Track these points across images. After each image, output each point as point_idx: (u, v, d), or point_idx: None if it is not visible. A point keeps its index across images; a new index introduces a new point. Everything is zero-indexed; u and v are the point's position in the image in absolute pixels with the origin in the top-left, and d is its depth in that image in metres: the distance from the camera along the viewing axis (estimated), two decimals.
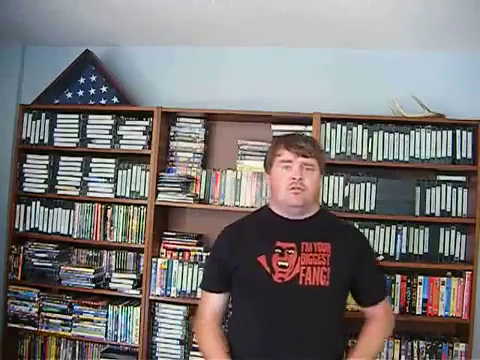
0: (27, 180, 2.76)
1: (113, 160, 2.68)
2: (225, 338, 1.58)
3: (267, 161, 1.64)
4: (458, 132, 2.46)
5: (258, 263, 1.50)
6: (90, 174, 2.69)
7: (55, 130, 2.76)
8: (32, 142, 2.78)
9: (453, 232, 2.46)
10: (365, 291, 1.61)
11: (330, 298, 1.51)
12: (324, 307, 1.51)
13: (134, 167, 2.66)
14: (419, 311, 2.43)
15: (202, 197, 2.63)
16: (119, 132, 2.68)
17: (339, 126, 2.51)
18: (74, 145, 2.72)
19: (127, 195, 2.66)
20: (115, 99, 2.71)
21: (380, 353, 2.38)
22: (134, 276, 2.63)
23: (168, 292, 2.57)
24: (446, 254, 2.45)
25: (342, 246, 1.55)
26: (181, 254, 2.62)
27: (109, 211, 2.67)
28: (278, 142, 1.61)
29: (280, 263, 1.50)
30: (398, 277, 2.44)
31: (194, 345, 2.49)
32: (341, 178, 2.51)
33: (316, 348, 1.48)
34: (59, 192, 2.72)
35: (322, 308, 1.50)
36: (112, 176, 2.67)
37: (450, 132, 2.47)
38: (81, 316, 2.63)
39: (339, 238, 1.57)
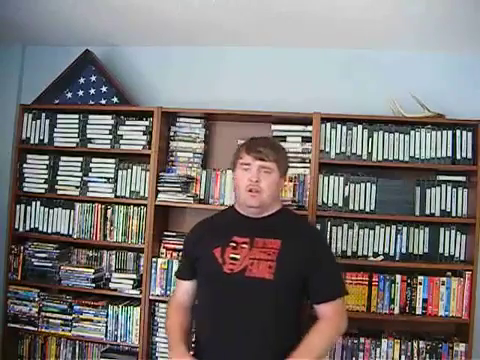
0: (27, 180, 2.76)
1: (113, 160, 2.68)
2: (188, 325, 1.72)
3: (232, 162, 1.77)
4: (458, 132, 2.46)
5: (213, 254, 1.63)
6: (90, 174, 2.69)
7: (55, 130, 2.76)
8: (32, 142, 2.78)
9: (453, 232, 2.46)
10: (314, 289, 1.64)
11: (274, 291, 1.58)
12: (268, 300, 1.57)
13: (134, 167, 2.66)
14: (419, 311, 2.42)
15: (202, 197, 2.63)
16: (119, 132, 2.68)
17: (339, 126, 2.51)
18: (74, 145, 2.72)
19: (127, 195, 2.66)
20: (115, 99, 2.71)
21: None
22: (134, 276, 2.63)
23: (168, 292, 2.56)
24: (446, 254, 2.45)
25: (293, 244, 1.63)
26: (181, 254, 2.62)
27: (109, 211, 2.67)
28: (241, 145, 1.75)
29: (232, 255, 1.61)
30: (398, 277, 2.44)
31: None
32: (341, 178, 2.51)
33: (259, 339, 1.55)
34: (59, 192, 2.72)
35: (266, 301, 1.57)
36: (112, 176, 2.67)
37: (450, 132, 2.46)
38: (81, 316, 2.63)
39: (291, 236, 1.66)
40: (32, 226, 2.75)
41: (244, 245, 1.62)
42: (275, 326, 1.57)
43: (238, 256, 1.61)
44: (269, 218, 1.71)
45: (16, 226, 2.76)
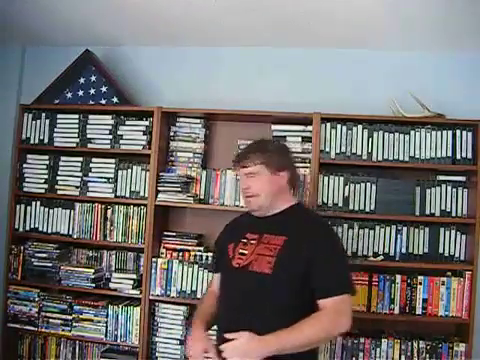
0: (27, 180, 2.76)
1: (113, 160, 2.68)
2: (215, 310, 1.78)
3: None
4: (458, 132, 2.46)
5: (227, 250, 1.76)
6: (90, 174, 2.69)
7: (55, 130, 2.76)
8: (32, 142, 2.78)
9: (453, 232, 2.46)
10: (315, 286, 1.60)
11: (273, 285, 1.62)
12: (267, 294, 1.63)
13: (134, 167, 2.67)
14: (419, 311, 2.42)
15: (202, 197, 2.63)
16: (119, 132, 2.68)
17: (339, 126, 2.52)
18: (74, 145, 2.72)
19: (127, 195, 2.66)
20: (115, 99, 2.71)
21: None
22: (134, 276, 2.63)
23: (168, 292, 2.57)
24: (446, 254, 2.45)
25: (297, 240, 1.65)
26: (181, 254, 2.62)
27: (109, 211, 2.67)
28: None
29: (240, 251, 1.72)
30: (398, 277, 2.44)
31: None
32: (341, 178, 2.51)
33: (259, 331, 1.52)
34: (59, 192, 2.72)
35: (266, 295, 1.63)
36: (112, 176, 2.67)
37: (450, 132, 2.46)
38: (81, 316, 2.63)
39: (297, 233, 1.67)
40: (32, 226, 2.75)
41: (253, 241, 1.71)
42: (274, 318, 1.57)
43: (246, 251, 1.69)
44: (277, 216, 1.75)
45: (16, 226, 2.76)
